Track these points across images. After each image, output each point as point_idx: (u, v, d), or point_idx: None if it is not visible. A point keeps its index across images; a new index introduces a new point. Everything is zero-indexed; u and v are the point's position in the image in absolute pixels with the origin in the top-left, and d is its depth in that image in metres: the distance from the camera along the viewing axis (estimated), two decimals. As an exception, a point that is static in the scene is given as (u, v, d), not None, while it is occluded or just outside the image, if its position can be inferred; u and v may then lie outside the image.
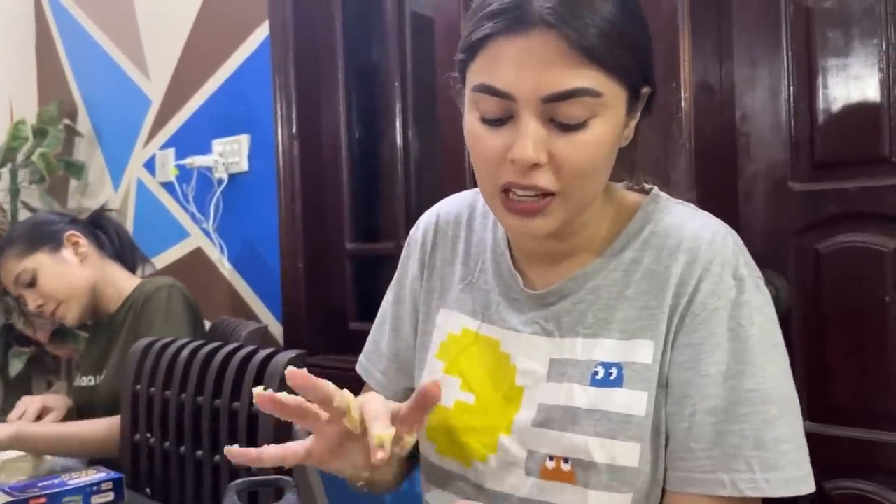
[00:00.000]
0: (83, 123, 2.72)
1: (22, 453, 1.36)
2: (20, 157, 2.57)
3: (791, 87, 1.25)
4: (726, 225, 0.80)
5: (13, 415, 1.56)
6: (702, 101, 1.25)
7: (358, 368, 1.01)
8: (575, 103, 0.70)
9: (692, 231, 0.78)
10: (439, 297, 0.92)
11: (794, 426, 0.74)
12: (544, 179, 0.73)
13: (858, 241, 1.19)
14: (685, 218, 0.80)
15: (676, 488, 0.75)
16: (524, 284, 0.85)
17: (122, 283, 1.73)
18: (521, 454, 0.80)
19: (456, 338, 0.89)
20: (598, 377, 0.77)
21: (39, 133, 2.59)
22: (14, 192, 2.59)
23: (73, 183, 2.72)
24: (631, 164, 0.84)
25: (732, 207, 1.29)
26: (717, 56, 1.29)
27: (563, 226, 0.78)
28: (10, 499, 1.04)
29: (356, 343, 1.90)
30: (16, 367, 2.46)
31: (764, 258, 1.25)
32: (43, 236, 1.68)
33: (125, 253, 1.81)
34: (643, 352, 0.77)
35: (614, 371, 0.77)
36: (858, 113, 1.19)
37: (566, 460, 0.77)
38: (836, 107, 1.21)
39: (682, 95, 1.22)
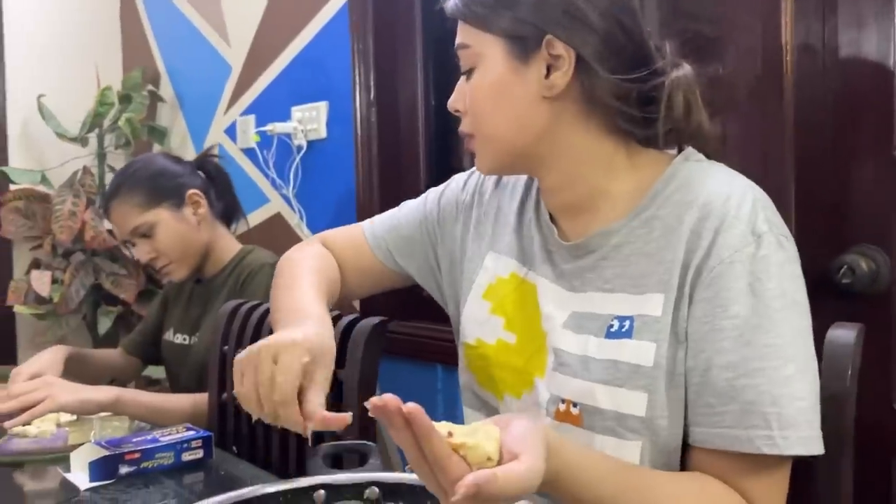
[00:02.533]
0: (165, 90, 2.78)
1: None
2: (106, 122, 2.65)
3: (901, 50, 1.18)
4: (753, 185, 0.81)
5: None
6: (803, 64, 1.19)
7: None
8: (461, 56, 0.87)
9: (710, 187, 0.80)
10: (490, 241, 0.97)
11: (811, 385, 0.74)
12: (463, 125, 0.90)
13: (968, 215, 1.13)
14: (707, 176, 0.82)
15: (697, 444, 0.77)
16: (558, 235, 0.90)
17: (225, 246, 1.74)
18: (546, 395, 0.86)
19: (504, 281, 0.94)
20: (613, 329, 0.81)
21: (124, 99, 2.66)
22: (101, 156, 2.67)
23: (157, 148, 2.79)
24: (677, 134, 0.85)
25: (833, 178, 1.23)
26: (820, 15, 1.22)
27: (497, 167, 0.91)
28: (107, 453, 1.08)
29: (430, 310, 1.91)
30: (104, 325, 2.55)
31: (865, 232, 1.20)
32: (166, 190, 1.67)
33: (228, 209, 1.82)
34: (653, 304, 0.79)
35: (627, 323, 0.80)
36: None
37: (575, 404, 0.82)
38: (951, 71, 1.14)
39: (784, 59, 1.16)
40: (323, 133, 2.13)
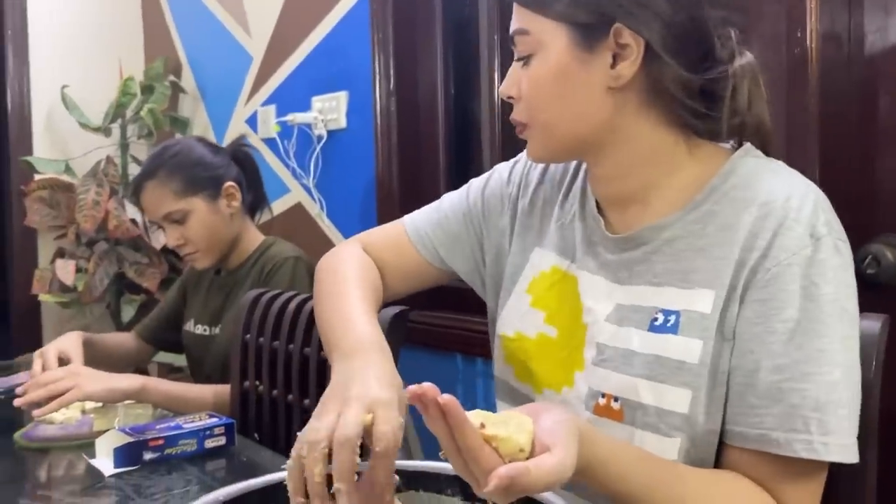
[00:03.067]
0: (187, 80, 2.80)
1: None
2: (129, 112, 2.67)
3: (929, 38, 1.16)
4: (812, 185, 0.79)
5: (35, 369, 1.43)
6: (828, 53, 1.17)
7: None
8: (517, 42, 0.83)
9: (770, 186, 0.78)
10: (537, 235, 0.96)
11: (853, 394, 0.73)
12: (517, 112, 0.86)
13: None
14: (767, 173, 0.80)
15: (733, 443, 0.76)
16: (605, 227, 0.87)
17: (250, 238, 1.75)
18: (584, 390, 0.85)
19: (546, 274, 0.93)
20: (657, 323, 0.80)
21: (147, 89, 2.68)
22: (123, 146, 2.69)
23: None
24: (740, 127, 0.83)
25: (858, 168, 1.21)
26: (846, 4, 1.20)
27: (551, 155, 0.88)
28: (132, 439, 1.09)
29: (451, 299, 1.93)
30: (128, 313, 2.58)
31: (890, 222, 1.18)
32: (205, 180, 1.66)
33: (255, 201, 1.81)
34: (702, 301, 0.77)
35: (672, 318, 0.79)
36: None
37: (616, 399, 0.81)
38: (981, 59, 1.12)
39: (808, 46, 1.15)
40: (343, 123, 2.13)
